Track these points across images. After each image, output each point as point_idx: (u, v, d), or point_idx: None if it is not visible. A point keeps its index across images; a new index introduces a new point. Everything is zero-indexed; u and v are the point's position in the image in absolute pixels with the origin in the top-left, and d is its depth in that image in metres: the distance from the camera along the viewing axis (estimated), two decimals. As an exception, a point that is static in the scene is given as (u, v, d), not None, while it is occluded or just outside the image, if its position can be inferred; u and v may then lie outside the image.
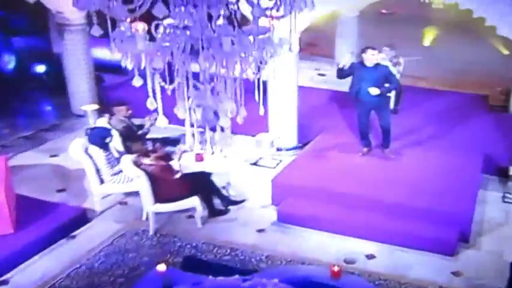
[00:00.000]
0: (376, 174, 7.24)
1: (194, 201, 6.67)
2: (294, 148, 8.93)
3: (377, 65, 7.25)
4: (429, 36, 14.29)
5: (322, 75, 12.34)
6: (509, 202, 7.11)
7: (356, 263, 6.01)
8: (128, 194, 7.34)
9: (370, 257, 6.12)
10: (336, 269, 4.61)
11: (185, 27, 2.81)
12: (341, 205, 6.73)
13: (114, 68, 9.64)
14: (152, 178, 6.47)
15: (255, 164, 8.57)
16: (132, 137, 7.72)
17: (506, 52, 10.28)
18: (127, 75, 8.01)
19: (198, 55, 2.84)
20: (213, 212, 6.95)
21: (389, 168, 7.42)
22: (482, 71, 11.50)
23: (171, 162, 6.84)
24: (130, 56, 2.83)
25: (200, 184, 6.83)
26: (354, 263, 6.00)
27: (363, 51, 7.26)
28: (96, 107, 9.22)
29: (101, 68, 11.17)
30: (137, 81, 3.04)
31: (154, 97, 3.18)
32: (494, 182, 7.59)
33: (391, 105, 9.57)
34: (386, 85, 7.27)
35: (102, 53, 10.46)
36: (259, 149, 8.70)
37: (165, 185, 6.54)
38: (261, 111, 3.62)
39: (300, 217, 6.74)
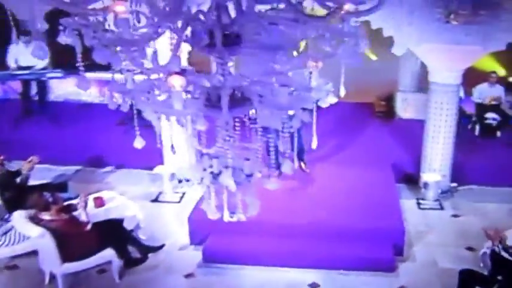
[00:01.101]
0: (297, 197, 7.13)
1: (109, 254, 5.94)
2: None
3: None
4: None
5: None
6: (425, 208, 7.48)
7: (303, 295, 5.81)
8: (17, 255, 6.28)
9: (315, 285, 5.96)
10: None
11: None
12: (271, 235, 6.50)
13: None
14: (58, 235, 5.60)
15: (156, 200, 7.96)
16: (9, 186, 6.70)
17: (374, 58, 10.93)
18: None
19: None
20: (130, 262, 6.26)
21: (308, 189, 7.37)
22: (365, 78, 12.11)
23: (75, 213, 6.01)
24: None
25: (112, 233, 6.11)
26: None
27: None
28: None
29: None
30: (140, 143, 2.53)
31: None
32: (404, 190, 7.93)
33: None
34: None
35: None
36: (160, 183, 8.14)
37: (74, 241, 5.74)
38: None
39: (231, 254, 6.37)
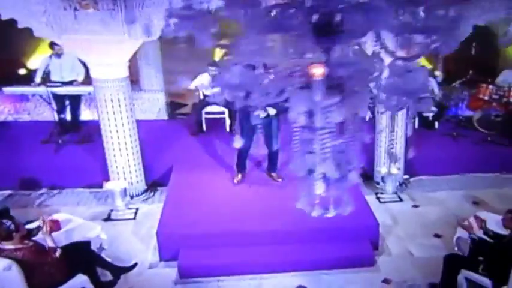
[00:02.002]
0: (263, 204, 7.15)
1: (80, 280, 5.62)
2: (144, 192, 8.26)
3: None
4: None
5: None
6: (385, 202, 7.82)
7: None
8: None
9: (302, 288, 6.03)
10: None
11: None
12: (247, 244, 6.48)
13: None
14: (25, 265, 5.19)
15: (108, 219, 7.62)
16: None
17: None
18: None
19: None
20: (101, 286, 5.93)
21: (271, 195, 7.40)
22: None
23: (36, 239, 5.62)
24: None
25: (80, 257, 5.77)
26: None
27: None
28: None
29: None
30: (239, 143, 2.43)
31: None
32: (361, 186, 8.21)
33: (228, 127, 9.74)
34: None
35: None
36: (106, 200, 7.83)
37: (43, 270, 5.34)
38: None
39: (210, 267, 6.25)
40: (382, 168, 8.03)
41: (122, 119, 7.70)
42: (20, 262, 5.18)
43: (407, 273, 6.23)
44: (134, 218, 7.63)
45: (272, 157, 7.76)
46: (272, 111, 7.19)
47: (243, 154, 7.66)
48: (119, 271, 6.15)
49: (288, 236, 6.56)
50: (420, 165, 8.58)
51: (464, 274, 5.56)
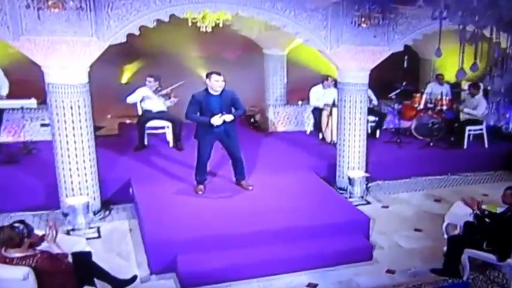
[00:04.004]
0: (254, 206, 7.43)
1: (90, 293, 5.45)
2: (100, 210, 8.06)
3: (223, 91, 7.50)
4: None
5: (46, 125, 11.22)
6: (355, 205, 8.36)
7: (309, 295, 6.16)
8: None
9: (313, 285, 6.33)
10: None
11: None
12: (245, 246, 6.65)
13: None
14: (38, 275, 4.96)
15: (68, 238, 7.32)
16: None
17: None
18: None
19: None
20: (105, 302, 5.76)
21: (254, 198, 7.71)
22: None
23: (43, 247, 5.36)
24: None
25: (84, 268, 5.59)
26: (307, 295, 6.13)
27: (208, 77, 7.43)
28: None
29: None
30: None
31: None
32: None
33: (172, 142, 9.89)
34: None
35: None
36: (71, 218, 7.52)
37: (55, 281, 5.12)
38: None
39: (213, 273, 6.30)
40: (350, 172, 8.66)
41: (81, 128, 7.55)
42: (35, 271, 4.94)
43: (405, 263, 6.81)
44: (99, 237, 7.41)
45: (237, 165, 8.04)
46: (228, 118, 7.52)
47: (203, 164, 7.86)
48: (120, 284, 5.98)
49: (283, 235, 6.85)
50: (374, 171, 9.36)
51: (468, 253, 6.28)
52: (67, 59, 7.16)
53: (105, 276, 5.89)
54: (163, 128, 10.16)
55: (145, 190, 8.00)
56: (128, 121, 11.67)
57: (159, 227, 6.82)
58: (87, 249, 6.20)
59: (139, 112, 10.07)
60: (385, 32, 8.43)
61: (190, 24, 9.15)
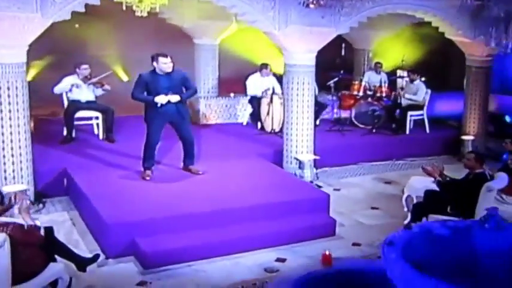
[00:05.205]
0: (208, 189, 7.39)
1: (58, 269, 5.23)
2: (34, 203, 7.68)
3: (172, 71, 7.46)
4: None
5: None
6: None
7: (279, 269, 6.20)
8: None
9: (282, 260, 6.38)
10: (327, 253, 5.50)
11: None
12: (207, 227, 6.60)
13: None
14: (12, 245, 4.72)
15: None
16: None
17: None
18: None
19: None
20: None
21: (208, 181, 7.66)
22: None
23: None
24: None
25: (50, 243, 5.39)
26: (277, 270, 6.17)
27: (155, 59, 7.38)
28: None
29: None
30: None
31: None
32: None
33: (102, 134, 9.67)
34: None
35: None
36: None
37: (26, 254, 4.89)
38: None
39: (175, 252, 6.24)
40: (300, 155, 8.82)
41: (17, 111, 7.26)
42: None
43: (369, 237, 7.00)
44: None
45: (188, 149, 7.95)
46: (174, 98, 7.48)
47: (151, 148, 7.72)
48: (84, 261, 5.75)
49: (245, 213, 6.87)
50: (321, 158, 9.54)
51: (432, 219, 6.57)
52: (8, 36, 6.95)
53: (67, 253, 5.68)
54: (91, 119, 9.86)
55: (87, 179, 7.71)
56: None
57: (115, 211, 6.63)
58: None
59: (65, 103, 9.68)
60: (332, 13, 8.69)
61: (124, 8, 8.96)
